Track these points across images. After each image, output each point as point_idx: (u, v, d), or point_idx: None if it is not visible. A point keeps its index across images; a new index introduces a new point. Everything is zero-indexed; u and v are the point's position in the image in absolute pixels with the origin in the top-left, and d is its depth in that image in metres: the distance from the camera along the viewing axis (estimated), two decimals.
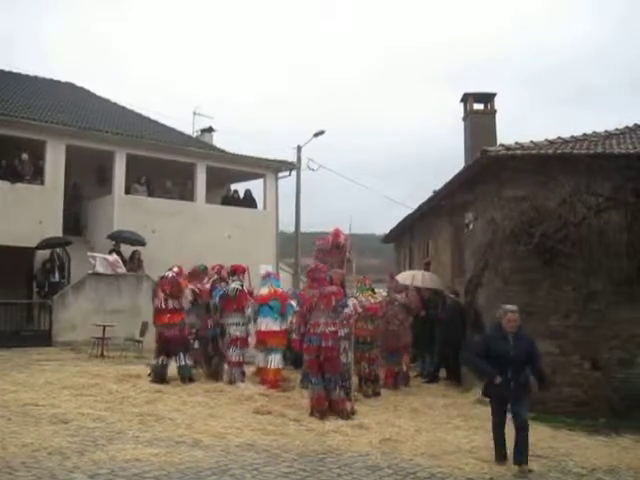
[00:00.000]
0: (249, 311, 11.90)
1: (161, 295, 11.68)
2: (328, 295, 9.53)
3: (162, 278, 12.03)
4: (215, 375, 11.89)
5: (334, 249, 10.91)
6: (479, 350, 7.58)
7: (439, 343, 13.74)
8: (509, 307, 7.57)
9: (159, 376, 11.29)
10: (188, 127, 28.80)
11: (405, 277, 15.06)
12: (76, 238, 21.36)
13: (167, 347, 11.47)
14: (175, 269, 12.05)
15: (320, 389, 9.30)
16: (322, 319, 9.41)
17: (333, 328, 9.40)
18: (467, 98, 18.55)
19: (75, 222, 22.42)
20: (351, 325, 10.15)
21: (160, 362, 11.44)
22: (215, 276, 12.43)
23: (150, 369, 11.65)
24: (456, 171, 13.90)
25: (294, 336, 10.45)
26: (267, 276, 12.54)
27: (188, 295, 11.71)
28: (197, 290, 12.05)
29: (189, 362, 11.56)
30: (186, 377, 11.37)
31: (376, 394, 11.38)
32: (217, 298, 11.97)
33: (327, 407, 9.21)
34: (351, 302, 9.99)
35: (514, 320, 7.42)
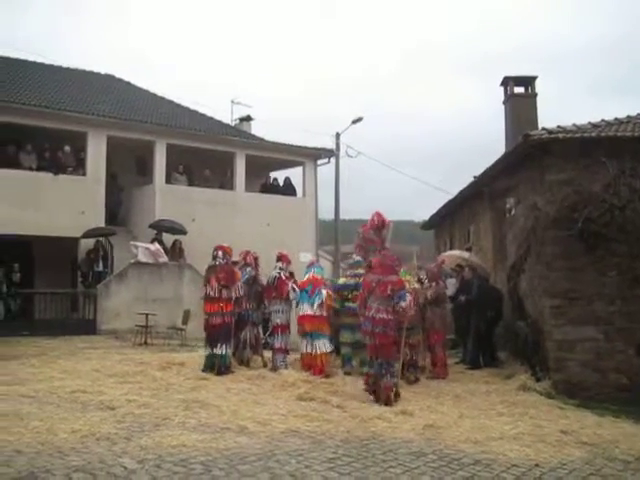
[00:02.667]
0: (293, 295, 11.91)
1: (214, 284, 11.49)
2: (385, 283, 9.57)
3: (217, 266, 11.67)
4: (241, 362, 12.04)
5: (375, 234, 10.78)
6: None
7: (471, 328, 13.67)
8: None
9: (210, 365, 11.22)
10: (226, 116, 29.00)
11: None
12: (119, 228, 21.69)
13: (211, 335, 11.39)
14: (220, 253, 11.73)
15: (373, 371, 9.54)
16: (375, 304, 9.51)
17: (384, 315, 9.43)
18: (507, 82, 18.33)
19: (117, 212, 22.75)
20: (406, 319, 10.10)
21: (211, 351, 11.34)
22: (242, 262, 12.50)
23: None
24: (495, 156, 13.78)
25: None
26: (311, 264, 12.65)
27: (239, 289, 11.71)
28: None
29: (229, 351, 11.45)
30: (222, 366, 11.15)
31: (416, 380, 11.42)
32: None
33: (374, 392, 9.38)
34: (409, 296, 9.90)
35: None
